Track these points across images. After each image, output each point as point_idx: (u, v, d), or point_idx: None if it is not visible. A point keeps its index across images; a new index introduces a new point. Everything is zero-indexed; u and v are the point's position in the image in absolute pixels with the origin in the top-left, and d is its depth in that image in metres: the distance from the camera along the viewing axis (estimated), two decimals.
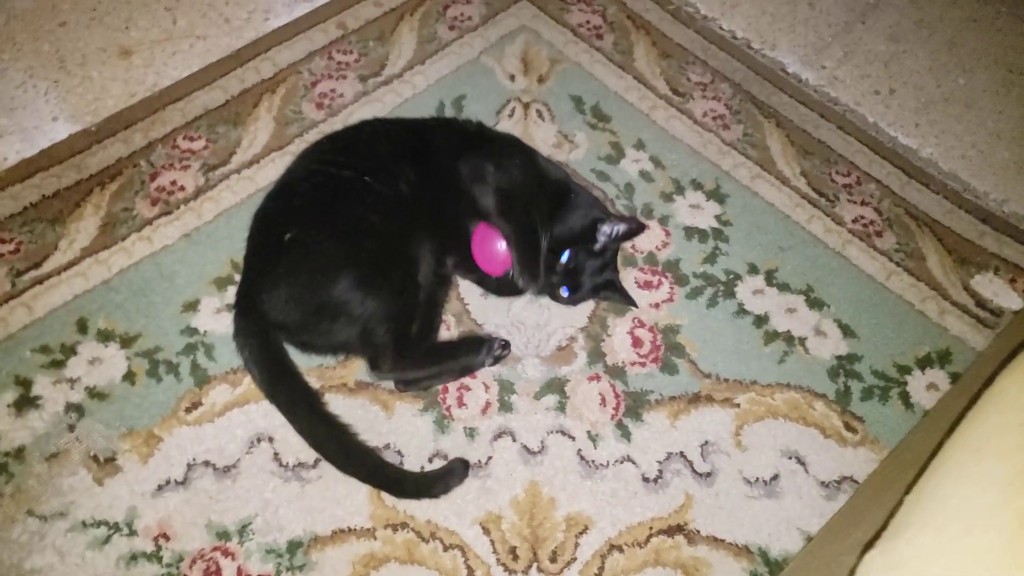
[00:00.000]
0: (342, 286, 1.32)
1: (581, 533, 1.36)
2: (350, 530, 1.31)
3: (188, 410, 1.40)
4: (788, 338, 1.64)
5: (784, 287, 1.71)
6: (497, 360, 1.49)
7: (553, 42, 2.07)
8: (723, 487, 1.44)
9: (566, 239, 1.48)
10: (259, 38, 1.95)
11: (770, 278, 1.72)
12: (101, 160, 1.68)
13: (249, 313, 1.38)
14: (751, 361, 1.59)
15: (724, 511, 1.41)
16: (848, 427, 1.53)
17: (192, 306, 1.51)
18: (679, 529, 1.38)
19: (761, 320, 1.65)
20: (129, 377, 1.42)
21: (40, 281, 1.50)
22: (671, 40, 2.15)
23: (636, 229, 1.52)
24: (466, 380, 1.49)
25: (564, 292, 1.51)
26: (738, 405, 1.53)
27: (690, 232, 1.76)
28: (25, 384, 1.38)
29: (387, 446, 1.40)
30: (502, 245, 1.45)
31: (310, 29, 1.99)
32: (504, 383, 1.50)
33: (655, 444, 1.47)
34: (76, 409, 1.37)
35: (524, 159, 1.55)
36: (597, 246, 1.49)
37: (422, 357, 1.44)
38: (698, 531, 1.38)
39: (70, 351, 1.43)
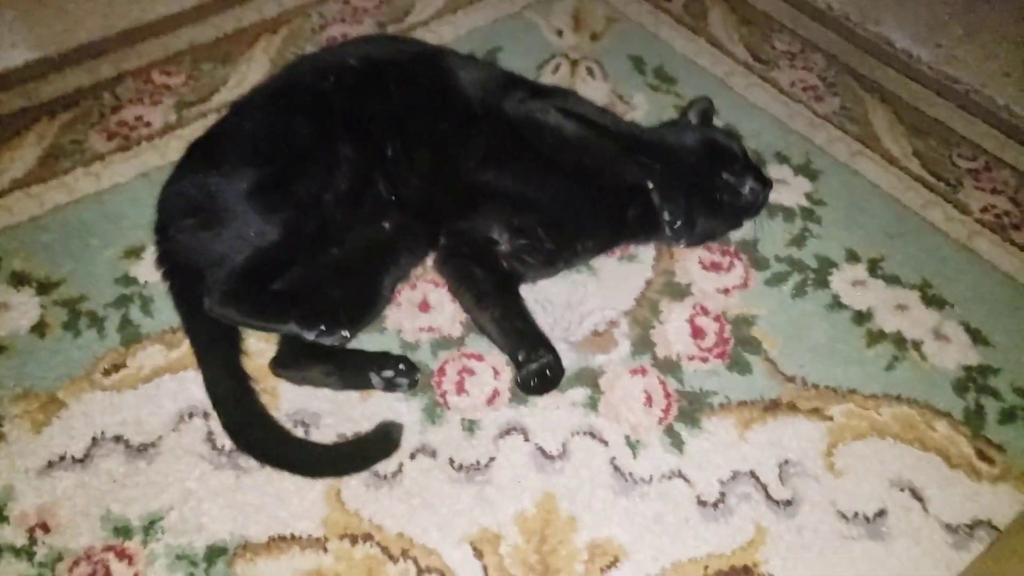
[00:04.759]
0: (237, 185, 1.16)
1: (609, 566, 1.06)
2: (294, 538, 1.05)
3: (107, 372, 1.18)
4: (898, 340, 1.35)
5: (893, 280, 1.43)
6: (391, 384, 1.17)
7: (611, 1, 1.89)
8: (808, 521, 1.13)
9: None
10: None
11: (874, 268, 1.44)
12: (57, 89, 1.54)
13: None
14: (849, 365, 1.31)
15: (810, 552, 1.10)
16: (983, 456, 1.22)
17: (136, 253, 1.31)
18: (746, 572, 1.08)
19: (863, 317, 1.37)
20: (39, 328, 1.21)
21: None
22: (753, 7, 1.95)
23: None
24: (471, 363, 1.24)
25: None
26: (831, 418, 1.24)
27: (772, 210, 1.51)
28: None
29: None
30: None
31: None
32: None
33: (717, 459, 1.18)
34: None
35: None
36: None
37: (269, 303, 1.16)
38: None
39: None
